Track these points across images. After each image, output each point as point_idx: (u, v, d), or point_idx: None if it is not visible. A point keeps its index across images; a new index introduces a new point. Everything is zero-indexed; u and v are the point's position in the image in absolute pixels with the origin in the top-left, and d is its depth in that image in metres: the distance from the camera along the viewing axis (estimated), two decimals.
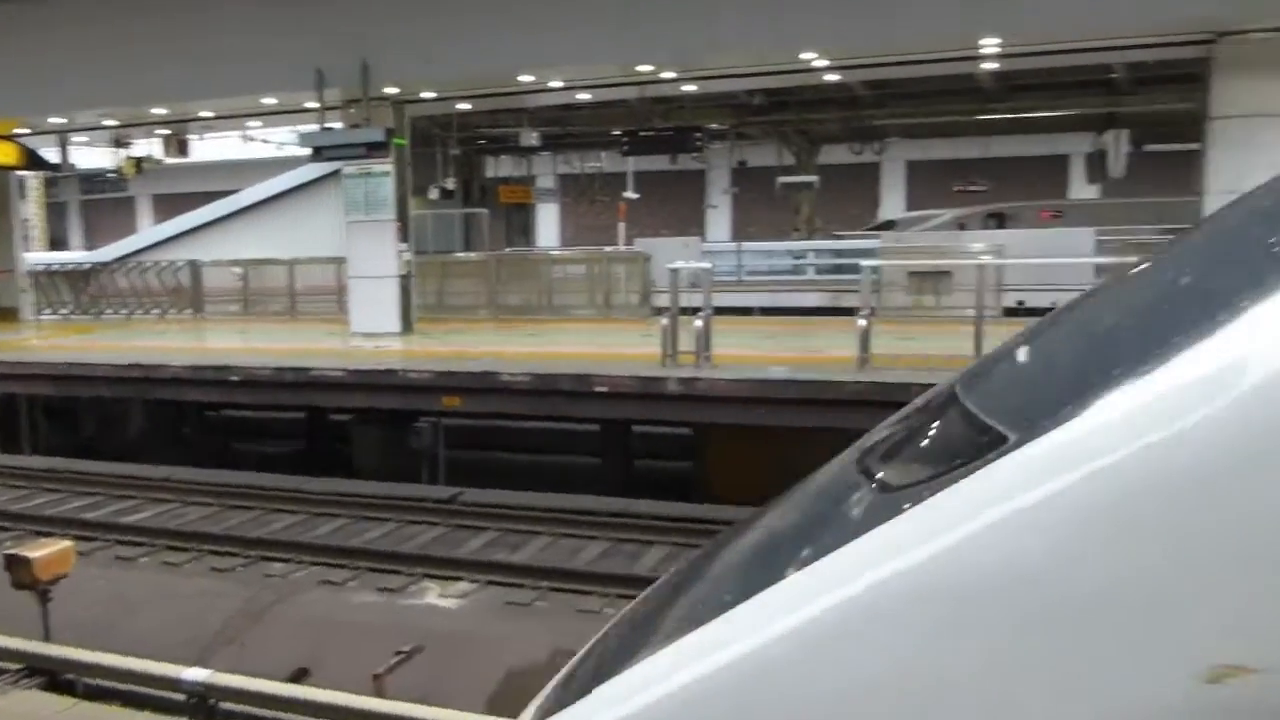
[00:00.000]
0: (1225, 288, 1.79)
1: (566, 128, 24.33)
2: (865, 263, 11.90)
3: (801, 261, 22.11)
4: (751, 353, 11.84)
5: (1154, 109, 21.02)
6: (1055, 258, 16.59)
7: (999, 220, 24.72)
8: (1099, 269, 17.34)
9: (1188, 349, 1.55)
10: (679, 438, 12.52)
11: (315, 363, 12.58)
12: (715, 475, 11.81)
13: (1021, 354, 2.30)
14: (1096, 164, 24.40)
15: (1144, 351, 1.65)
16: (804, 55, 13.09)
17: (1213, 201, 11.96)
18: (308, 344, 14.91)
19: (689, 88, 17.15)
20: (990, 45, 13.06)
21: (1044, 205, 26.45)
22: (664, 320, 11.41)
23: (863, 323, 10.65)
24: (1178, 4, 11.07)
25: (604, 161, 29.92)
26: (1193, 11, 11.35)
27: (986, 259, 12.54)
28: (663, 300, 15.57)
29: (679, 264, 12.17)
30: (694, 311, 11.53)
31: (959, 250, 16.58)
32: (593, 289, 17.16)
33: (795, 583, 1.73)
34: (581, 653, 2.43)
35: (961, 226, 24.46)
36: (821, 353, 11.73)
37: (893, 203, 35.97)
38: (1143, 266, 2.43)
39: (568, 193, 34.59)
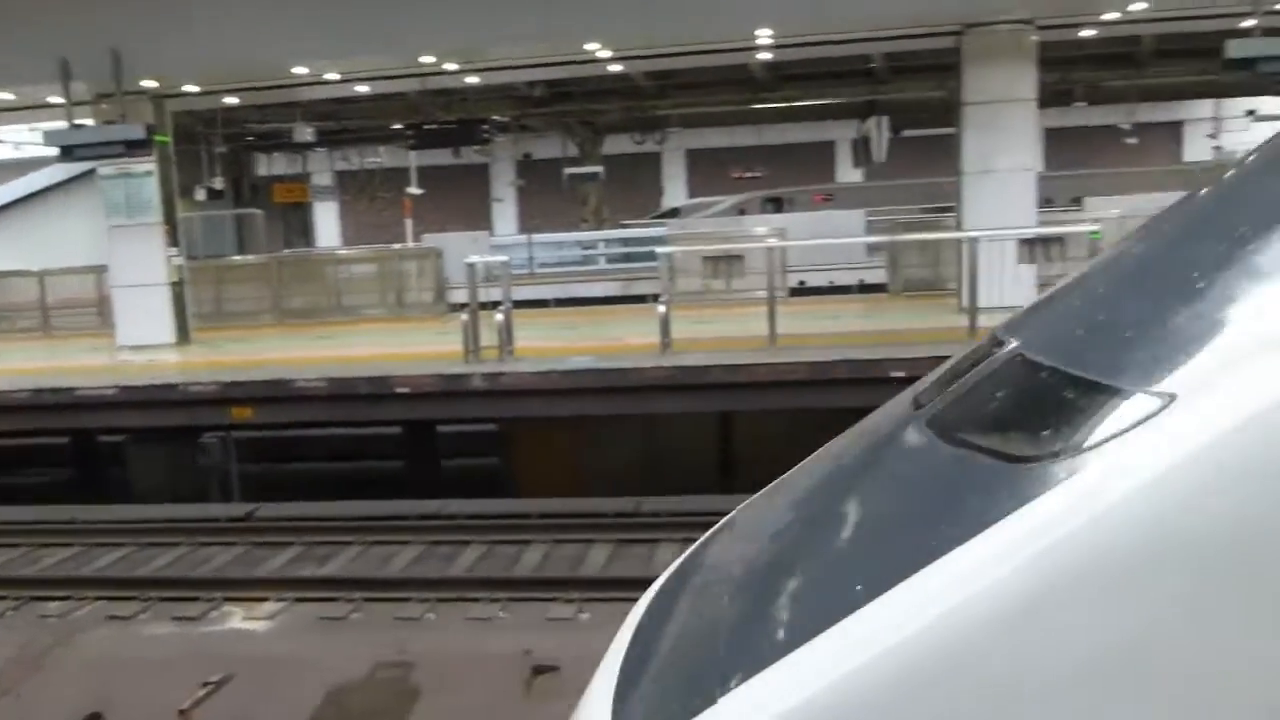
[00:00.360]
0: None
1: (343, 122, 23.43)
2: (661, 250, 12.14)
3: (592, 252, 22.30)
4: (553, 344, 11.83)
5: (910, 96, 22.52)
6: (833, 238, 17.52)
7: (776, 205, 25.85)
8: (870, 248, 18.52)
9: None
10: (485, 434, 12.34)
11: (79, 381, 11.54)
12: (523, 470, 11.75)
13: (1104, 311, 2.25)
14: (861, 149, 25.94)
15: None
16: (588, 46, 13.16)
17: (969, 181, 12.97)
18: (68, 361, 13.66)
19: (472, 79, 16.89)
20: (764, 36, 13.58)
21: (816, 190, 27.89)
22: (463, 316, 11.21)
23: (663, 308, 10.85)
24: None
25: (384, 157, 29.04)
26: (943, 5, 12.23)
27: (774, 242, 13.05)
28: (458, 297, 15.32)
29: (475, 258, 11.98)
30: (493, 306, 11.40)
31: (744, 235, 17.22)
32: (384, 288, 16.64)
33: (957, 561, 1.67)
34: (621, 658, 2.37)
35: (742, 212, 25.41)
36: (622, 340, 11.86)
37: (675, 191, 36.91)
38: (1201, 217, 2.43)
39: (347, 190, 33.37)
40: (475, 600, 7.72)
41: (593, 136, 26.81)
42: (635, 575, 8.13)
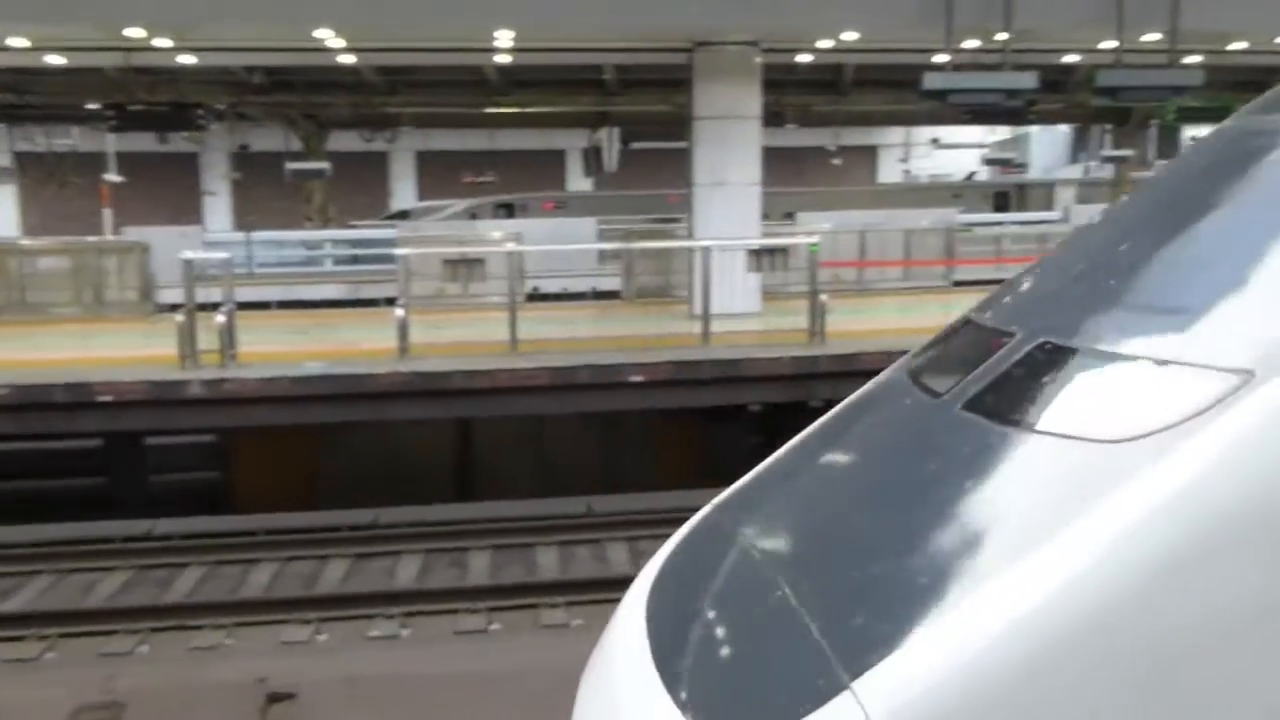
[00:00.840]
0: None
1: (26, 96, 20.84)
2: (400, 251, 11.72)
3: (318, 253, 21.22)
4: (281, 349, 11.10)
5: (641, 109, 23.17)
6: (567, 245, 17.68)
7: (509, 210, 25.79)
8: (601, 255, 18.87)
9: None
10: (202, 446, 11.37)
11: None
12: (246, 483, 10.93)
13: (1136, 294, 2.37)
14: (592, 159, 26.47)
15: None
16: (317, 34, 12.48)
17: (700, 193, 13.50)
18: None
19: (185, 60, 15.53)
20: (504, 39, 13.47)
21: (548, 197, 28.09)
22: (178, 318, 10.27)
23: (400, 312, 10.47)
24: (663, 14, 12.23)
25: (77, 139, 26.17)
26: (675, 22, 12.62)
27: (513, 246, 12.96)
28: (167, 297, 14.05)
29: (192, 254, 11.02)
30: (210, 308, 10.53)
31: (480, 239, 17.02)
32: (79, 284, 14.93)
33: (1079, 535, 1.76)
34: (651, 653, 2.33)
35: (474, 216, 25.13)
36: (357, 345, 11.33)
37: (404, 192, 35.93)
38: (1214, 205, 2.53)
39: (29, 174, 29.74)
40: (198, 628, 7.08)
41: (317, 131, 25.50)
42: (375, 590, 7.77)
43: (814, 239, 12.18)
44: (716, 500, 3.09)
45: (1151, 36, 13.91)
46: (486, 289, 13.24)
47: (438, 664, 6.53)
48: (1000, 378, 2.34)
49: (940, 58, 13.62)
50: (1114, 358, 2.14)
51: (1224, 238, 2.37)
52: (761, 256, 12.92)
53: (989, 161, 35.30)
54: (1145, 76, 13.69)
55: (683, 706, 2.20)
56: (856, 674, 1.88)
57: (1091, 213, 19.80)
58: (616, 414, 11.06)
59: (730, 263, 12.34)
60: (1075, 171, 31.65)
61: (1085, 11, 13.47)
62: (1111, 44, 13.98)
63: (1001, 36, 13.37)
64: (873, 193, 30.88)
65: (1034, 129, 32.88)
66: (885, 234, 16.90)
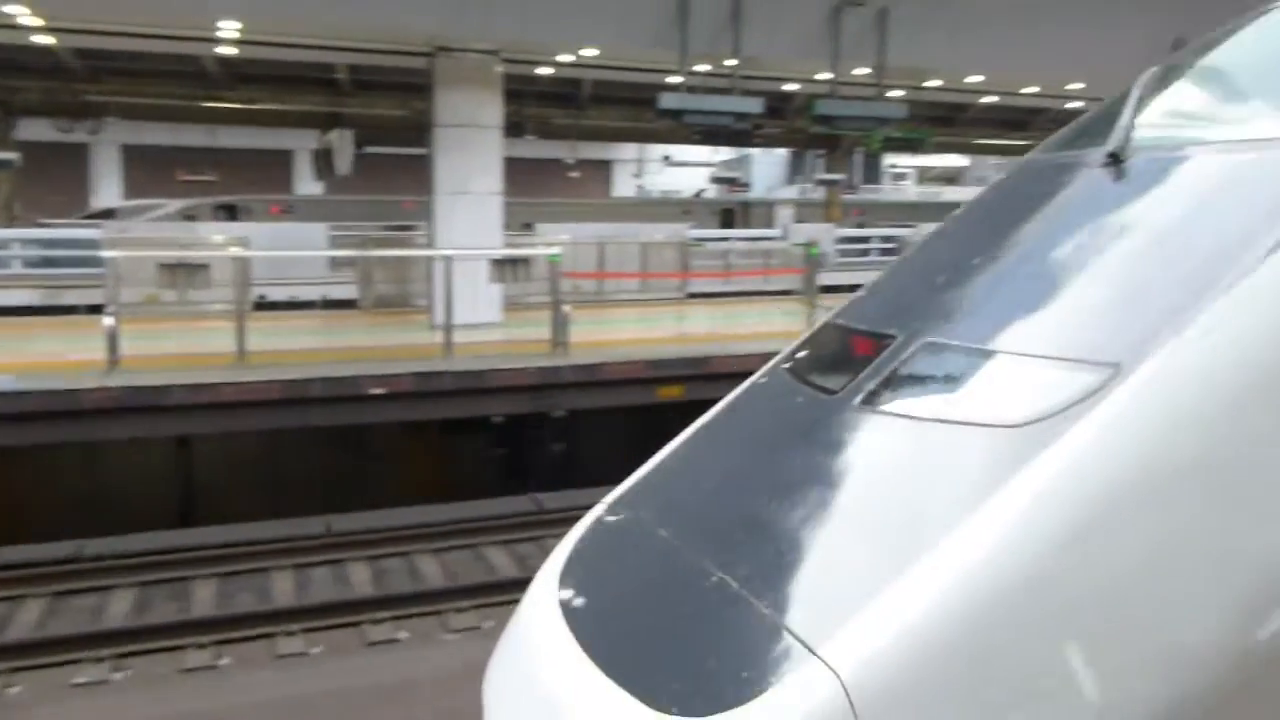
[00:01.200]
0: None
1: None
2: (109, 254, 10.65)
3: (4, 253, 18.92)
4: None
5: (377, 112, 22.47)
6: (297, 250, 16.82)
7: (230, 212, 24.21)
8: (333, 263, 18.12)
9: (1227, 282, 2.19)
10: None
11: None
12: None
13: (1007, 299, 2.69)
14: (323, 161, 25.32)
15: (1196, 284, 2.22)
16: (8, 9, 11.15)
17: (442, 201, 13.26)
18: None
19: None
20: (228, 29, 12.63)
21: (274, 199, 26.62)
22: None
23: (109, 321, 9.52)
24: (402, 16, 11.94)
25: None
26: (414, 25, 12.36)
27: (239, 251, 12.13)
28: None
29: None
30: None
31: (199, 243, 15.83)
32: None
33: (999, 505, 2.02)
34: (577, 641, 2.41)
35: (190, 218, 23.39)
36: (60, 357, 10.18)
37: (107, 190, 32.79)
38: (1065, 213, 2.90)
39: None
40: None
41: (3, 117, 22.79)
42: (78, 631, 7.01)
43: (556, 250, 12.27)
44: (609, 499, 3.13)
45: (862, 71, 15.18)
46: (208, 296, 12.34)
47: (160, 706, 5.98)
48: (893, 374, 2.59)
49: (674, 79, 14.18)
50: (996, 355, 2.44)
51: (1062, 253, 2.76)
52: (504, 267, 12.87)
53: (716, 180, 37.23)
54: (857, 107, 14.90)
55: (633, 690, 2.23)
56: (820, 641, 2.01)
57: (809, 230, 21.29)
58: (355, 428, 10.62)
59: (473, 273, 12.20)
60: (793, 192, 33.92)
61: (804, 44, 14.49)
62: (827, 75, 15.13)
63: (731, 62, 14.12)
64: (609, 206, 31.65)
65: (755, 151, 34.99)
66: (623, 246, 17.34)
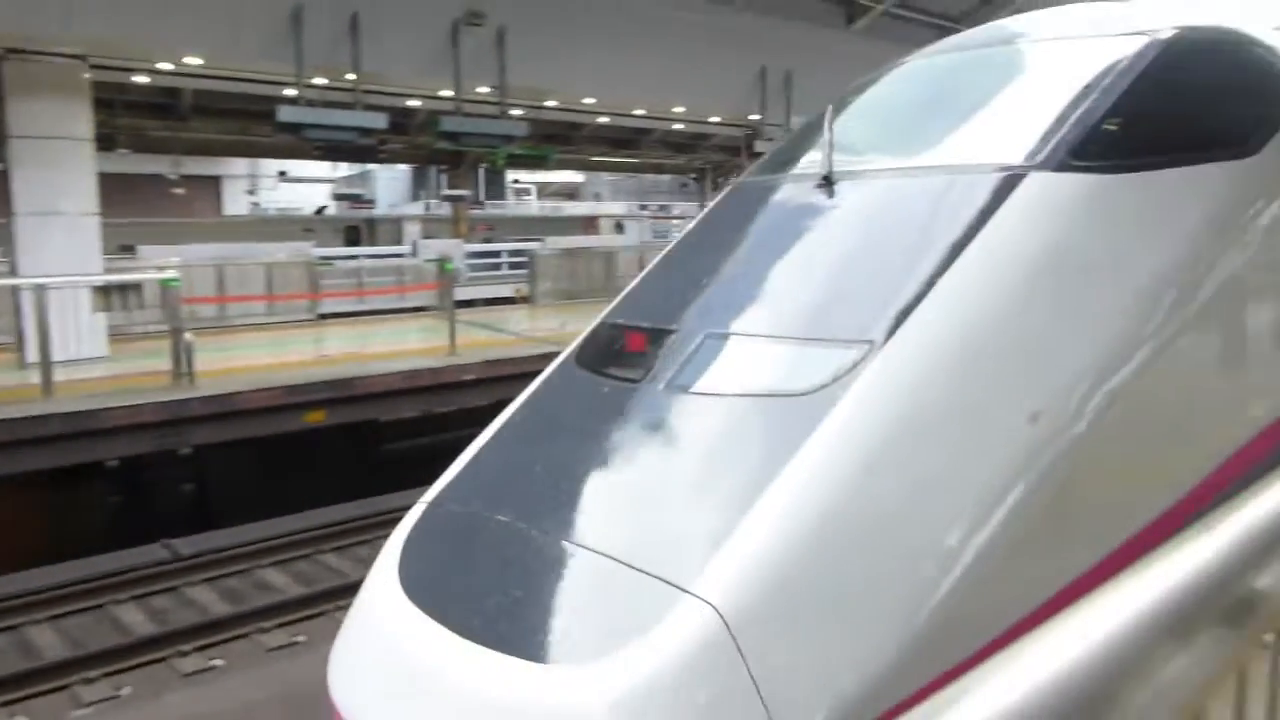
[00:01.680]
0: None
1: None
2: None
3: None
4: None
5: None
6: None
7: None
8: None
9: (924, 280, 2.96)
10: None
11: None
12: None
13: (774, 295, 3.34)
14: None
15: (911, 282, 2.99)
16: None
17: (26, 223, 11.68)
18: None
19: None
20: None
21: None
22: None
23: None
24: None
25: None
26: None
27: None
28: None
29: None
30: None
31: None
32: None
33: (808, 454, 2.61)
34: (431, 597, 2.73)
35: None
36: None
37: None
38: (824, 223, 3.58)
39: None
40: None
41: None
42: None
43: (172, 274, 11.29)
44: (430, 495, 3.31)
45: (484, 89, 15.46)
46: None
47: None
48: (687, 361, 3.11)
49: (290, 91, 13.59)
50: (779, 339, 3.08)
51: (807, 256, 3.50)
52: (110, 294, 11.62)
53: (339, 197, 36.01)
54: (482, 125, 15.16)
55: (510, 651, 2.47)
56: (689, 581, 2.39)
57: (439, 246, 21.28)
58: None
59: (72, 302, 10.89)
60: (418, 208, 33.68)
61: (426, 61, 14.50)
62: (449, 92, 15.25)
63: (351, 77, 13.79)
64: (221, 225, 29.55)
65: (377, 166, 34.33)
66: (245, 268, 16.30)
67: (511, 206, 39.37)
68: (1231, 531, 0.91)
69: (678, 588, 2.38)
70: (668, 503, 2.79)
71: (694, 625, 2.31)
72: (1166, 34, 3.79)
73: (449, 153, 24.50)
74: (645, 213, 40.45)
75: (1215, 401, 3.38)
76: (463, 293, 18.65)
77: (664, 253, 4.23)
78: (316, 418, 10.20)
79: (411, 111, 21.68)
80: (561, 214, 36.60)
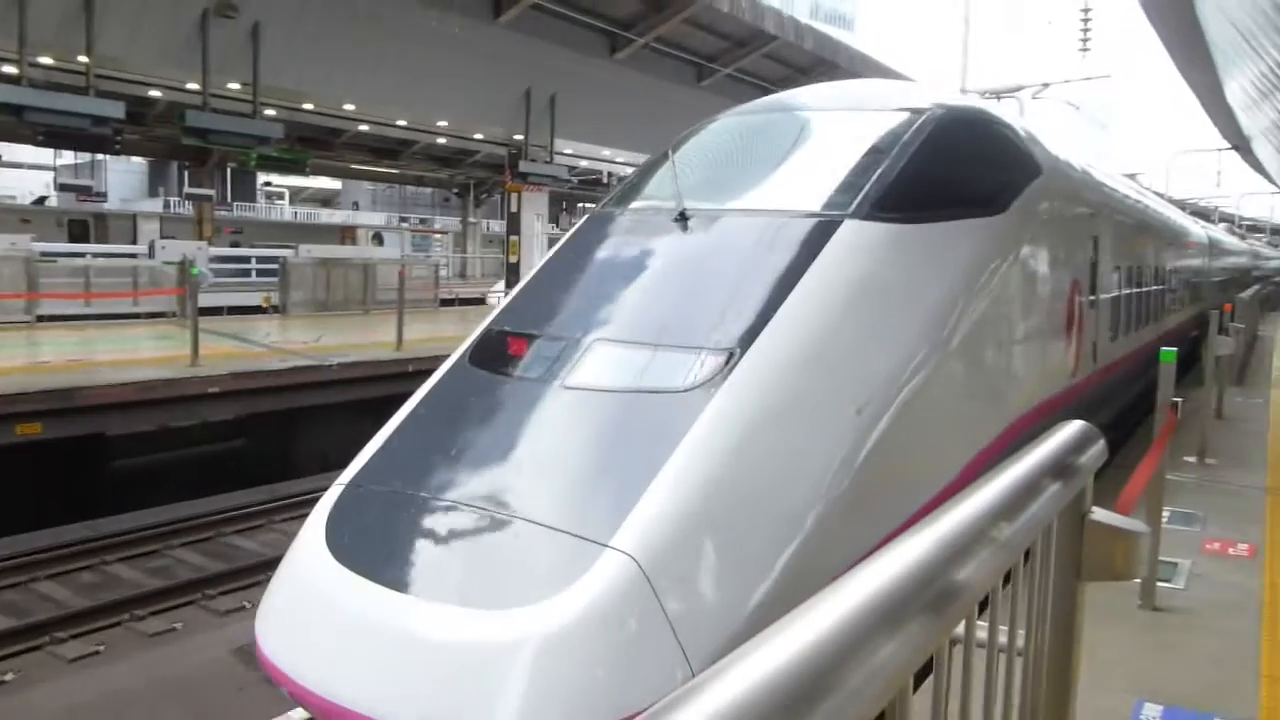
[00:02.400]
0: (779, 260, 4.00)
1: None
2: None
3: None
4: None
5: None
6: None
7: None
8: None
9: (771, 296, 3.76)
10: None
11: None
12: None
13: (659, 310, 3.99)
14: None
15: (761, 298, 3.79)
16: None
17: None
18: None
19: None
20: None
21: None
22: None
23: None
24: None
25: None
26: None
27: None
28: None
29: None
30: None
31: None
32: None
33: (692, 439, 3.26)
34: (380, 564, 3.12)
35: None
36: None
37: None
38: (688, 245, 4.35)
39: None
40: None
41: None
42: None
43: None
44: (344, 478, 3.69)
45: (235, 85, 14.67)
46: None
47: None
48: (579, 362, 3.72)
49: (9, 69, 12.34)
50: (657, 346, 3.69)
51: (672, 279, 4.17)
52: None
53: (64, 187, 32.85)
54: (233, 123, 14.36)
55: (443, 599, 2.92)
56: (609, 537, 2.95)
57: (180, 248, 19.88)
58: None
59: None
60: (157, 205, 31.36)
61: (171, 50, 13.59)
62: (196, 86, 14.36)
63: (84, 59, 12.71)
64: None
65: (109, 157, 31.66)
66: None
67: (263, 210, 37.40)
68: (942, 529, 1.06)
69: (599, 543, 2.93)
70: (578, 477, 3.35)
71: (616, 571, 2.87)
72: (936, 111, 4.90)
73: (192, 148, 23.02)
74: (406, 225, 39.63)
75: (979, 394, 4.50)
76: (206, 299, 17.47)
77: (536, 270, 4.78)
78: (31, 430, 9.25)
79: (152, 102, 20.23)
80: (317, 221, 35.18)
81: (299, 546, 3.44)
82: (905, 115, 4.85)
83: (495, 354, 4.10)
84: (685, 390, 3.47)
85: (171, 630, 6.99)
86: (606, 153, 24.17)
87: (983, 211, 4.66)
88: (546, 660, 2.73)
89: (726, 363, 3.53)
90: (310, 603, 3.24)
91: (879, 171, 4.43)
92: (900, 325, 3.98)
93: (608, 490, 3.17)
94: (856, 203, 4.27)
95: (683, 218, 4.38)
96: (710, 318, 3.80)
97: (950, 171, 4.70)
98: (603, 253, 4.60)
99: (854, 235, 4.12)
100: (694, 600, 2.94)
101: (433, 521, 3.27)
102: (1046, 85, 22.51)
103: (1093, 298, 6.45)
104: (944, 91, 6.01)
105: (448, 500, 3.30)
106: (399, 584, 3.01)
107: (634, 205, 4.92)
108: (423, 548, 3.21)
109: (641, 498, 3.04)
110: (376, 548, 3.25)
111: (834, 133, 4.93)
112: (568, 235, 4.87)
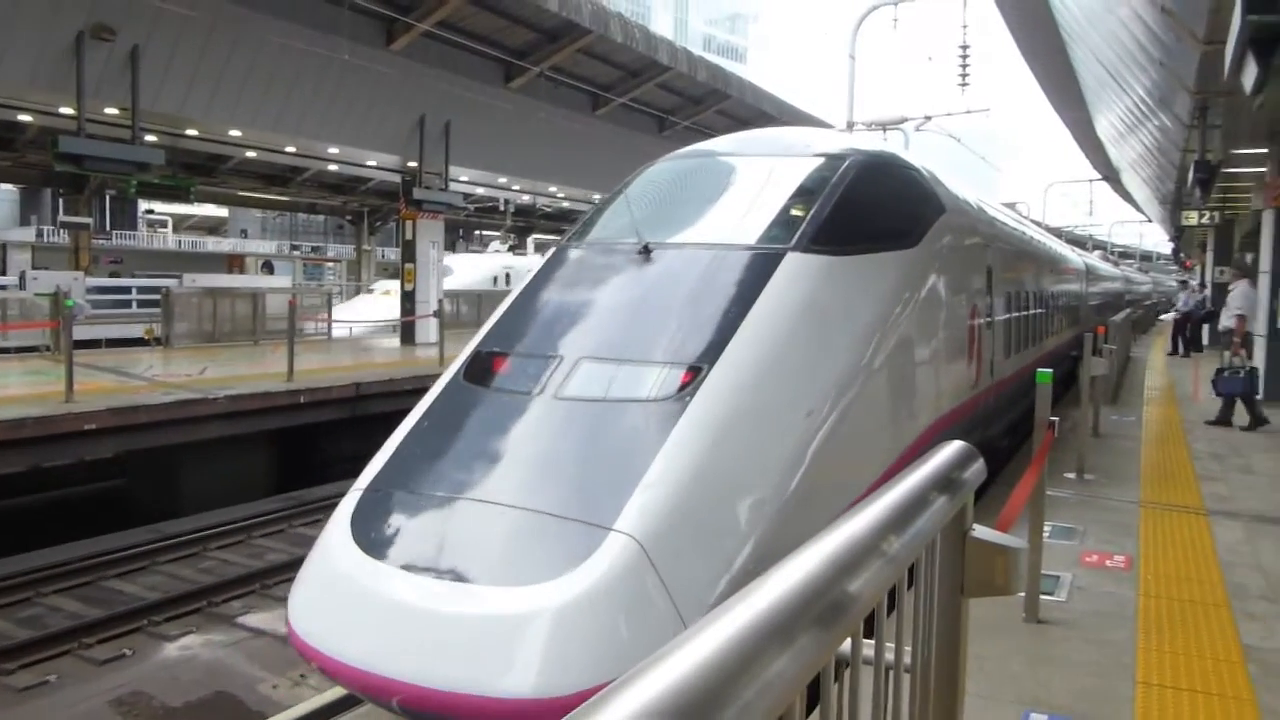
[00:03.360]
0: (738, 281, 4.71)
1: None
2: None
3: None
4: None
5: None
6: None
7: None
8: None
9: (734, 317, 4.45)
10: None
11: None
12: None
13: (636, 329, 4.55)
14: None
15: (722, 319, 4.47)
16: None
17: None
18: None
19: None
20: None
21: None
22: None
23: None
24: None
25: None
26: None
27: None
28: None
29: None
30: None
31: None
32: None
33: (675, 440, 3.86)
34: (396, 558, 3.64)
35: None
36: None
37: None
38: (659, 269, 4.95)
39: None
40: None
41: None
42: None
43: None
44: (362, 482, 4.16)
45: (113, 110, 14.14)
46: None
47: None
48: (568, 377, 4.27)
49: None
50: (636, 362, 4.28)
51: (644, 305, 4.73)
52: None
53: None
54: (112, 149, 13.83)
55: (470, 579, 3.43)
56: (613, 522, 3.51)
57: (54, 279, 18.98)
58: None
59: None
60: (28, 234, 29.94)
61: (42, 72, 13.03)
62: (70, 110, 13.79)
63: None
64: None
65: None
66: None
67: (144, 239, 36.06)
68: (829, 546, 1.08)
69: (604, 527, 3.49)
70: (578, 474, 3.86)
71: (620, 550, 3.42)
72: (856, 157, 5.71)
73: (70, 176, 22.08)
74: (297, 254, 38.70)
75: (905, 398, 5.26)
76: (83, 332, 16.72)
77: (512, 300, 5.33)
78: None
79: (22, 126, 19.38)
80: (203, 249, 34.09)
81: (327, 545, 3.92)
82: (826, 160, 5.66)
83: (484, 371, 4.64)
84: (664, 399, 4.09)
85: (44, 683, 6.61)
86: (503, 180, 24.10)
87: (898, 245, 5.46)
88: (566, 624, 3.26)
89: (697, 375, 4.17)
90: (345, 592, 3.65)
91: (812, 211, 5.18)
92: (837, 341, 4.71)
93: (606, 484, 3.72)
94: (796, 238, 4.99)
95: (646, 250, 5.02)
96: (680, 336, 4.44)
97: (870, 210, 5.47)
98: (575, 282, 5.20)
99: (795, 265, 4.84)
100: (685, 570, 3.50)
101: (452, 516, 3.78)
102: (929, 118, 23.35)
103: (988, 319, 7.26)
104: (854, 137, 7.24)
105: (464, 497, 3.82)
106: (430, 570, 3.50)
107: (596, 239, 5.53)
108: (446, 538, 3.69)
109: (636, 489, 3.63)
110: (404, 541, 3.74)
111: (767, 176, 5.64)
112: (538, 267, 5.51)
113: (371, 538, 3.77)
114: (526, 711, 3.10)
